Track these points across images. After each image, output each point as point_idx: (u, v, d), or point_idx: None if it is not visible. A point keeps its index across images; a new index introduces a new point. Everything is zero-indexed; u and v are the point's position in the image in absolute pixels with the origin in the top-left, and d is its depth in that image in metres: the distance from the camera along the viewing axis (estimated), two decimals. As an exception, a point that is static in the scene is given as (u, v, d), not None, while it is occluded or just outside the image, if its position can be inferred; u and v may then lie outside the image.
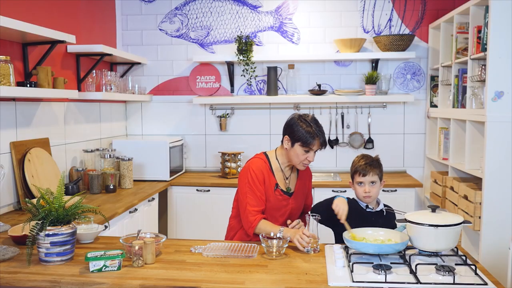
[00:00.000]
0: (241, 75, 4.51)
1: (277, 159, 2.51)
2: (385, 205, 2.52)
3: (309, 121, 2.38)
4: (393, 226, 2.25)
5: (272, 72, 4.36)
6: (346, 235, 2.10)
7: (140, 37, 4.62)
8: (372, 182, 2.42)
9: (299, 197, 2.56)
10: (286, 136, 2.42)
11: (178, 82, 4.65)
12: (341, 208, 2.30)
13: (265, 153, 2.55)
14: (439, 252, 2.02)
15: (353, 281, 1.78)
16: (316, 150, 2.40)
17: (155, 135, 4.68)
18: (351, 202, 2.47)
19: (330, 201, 2.40)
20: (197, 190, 4.14)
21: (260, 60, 4.39)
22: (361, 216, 2.43)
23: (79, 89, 3.72)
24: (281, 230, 2.26)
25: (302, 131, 2.35)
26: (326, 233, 2.47)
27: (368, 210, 2.46)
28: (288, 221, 2.42)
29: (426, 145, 4.44)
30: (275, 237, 2.20)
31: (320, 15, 4.44)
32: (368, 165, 2.43)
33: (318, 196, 3.97)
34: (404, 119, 4.48)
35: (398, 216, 2.24)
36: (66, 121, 3.58)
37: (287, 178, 2.53)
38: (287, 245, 2.14)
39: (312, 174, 4.35)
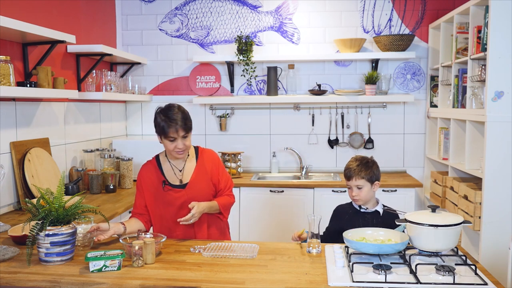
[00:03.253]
0: (241, 75, 4.51)
1: (166, 156, 2.58)
2: (385, 206, 2.53)
3: (166, 111, 2.42)
4: (390, 227, 2.26)
5: (272, 72, 4.36)
6: (346, 235, 2.10)
7: (140, 37, 4.62)
8: (358, 187, 2.44)
9: (197, 186, 2.52)
10: (156, 132, 2.50)
11: (178, 82, 4.65)
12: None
13: (157, 155, 2.62)
14: (439, 252, 2.02)
15: (353, 281, 1.78)
16: (184, 136, 2.43)
17: (155, 135, 4.66)
18: (348, 204, 2.58)
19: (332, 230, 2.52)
20: (197, 190, 4.13)
21: (260, 60, 4.39)
22: (355, 216, 2.49)
23: (79, 89, 3.72)
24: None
25: (159, 124, 2.42)
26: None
27: (362, 210, 2.50)
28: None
29: (426, 145, 4.44)
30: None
31: (320, 15, 4.44)
32: (353, 169, 2.46)
33: (318, 196, 4.00)
34: (404, 119, 4.48)
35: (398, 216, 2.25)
36: (66, 121, 3.58)
37: (180, 171, 2.54)
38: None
39: (312, 174, 4.44)
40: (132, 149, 4.09)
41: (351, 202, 2.55)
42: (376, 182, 2.48)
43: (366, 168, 2.46)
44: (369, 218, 2.46)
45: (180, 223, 2.35)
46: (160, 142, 2.50)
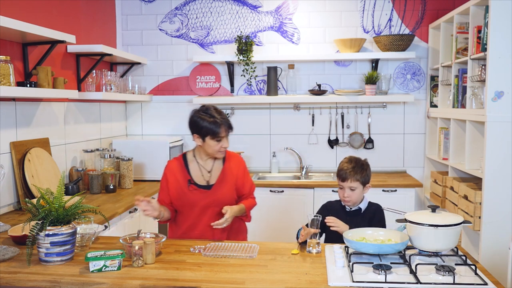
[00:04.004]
0: (241, 75, 4.51)
1: (194, 156, 2.59)
2: (371, 203, 2.56)
3: (209, 112, 2.45)
4: (369, 221, 2.35)
5: (272, 72, 4.36)
6: (346, 235, 2.10)
7: (140, 37, 4.62)
8: (352, 188, 2.45)
9: (223, 189, 2.55)
10: (195, 134, 2.48)
11: (178, 82, 4.65)
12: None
13: (184, 153, 2.63)
14: (439, 252, 2.02)
15: (353, 281, 1.78)
16: (227, 135, 2.48)
17: (155, 135, 4.68)
18: (336, 201, 2.62)
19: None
20: (197, 190, 4.13)
21: (260, 60, 4.39)
22: (339, 213, 2.53)
23: (79, 89, 3.72)
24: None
25: (207, 125, 2.42)
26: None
27: (347, 209, 2.54)
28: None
29: (426, 145, 4.44)
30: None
31: (320, 15, 4.44)
32: (348, 171, 2.48)
33: (318, 196, 3.99)
34: (404, 119, 4.48)
35: (398, 216, 2.25)
36: (66, 121, 3.58)
37: (209, 172, 2.56)
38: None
39: (312, 174, 4.44)
40: (132, 149, 4.09)
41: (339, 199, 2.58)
42: (368, 185, 2.52)
43: (361, 171, 2.49)
44: (352, 215, 2.51)
45: (214, 227, 2.39)
46: (200, 144, 2.49)
